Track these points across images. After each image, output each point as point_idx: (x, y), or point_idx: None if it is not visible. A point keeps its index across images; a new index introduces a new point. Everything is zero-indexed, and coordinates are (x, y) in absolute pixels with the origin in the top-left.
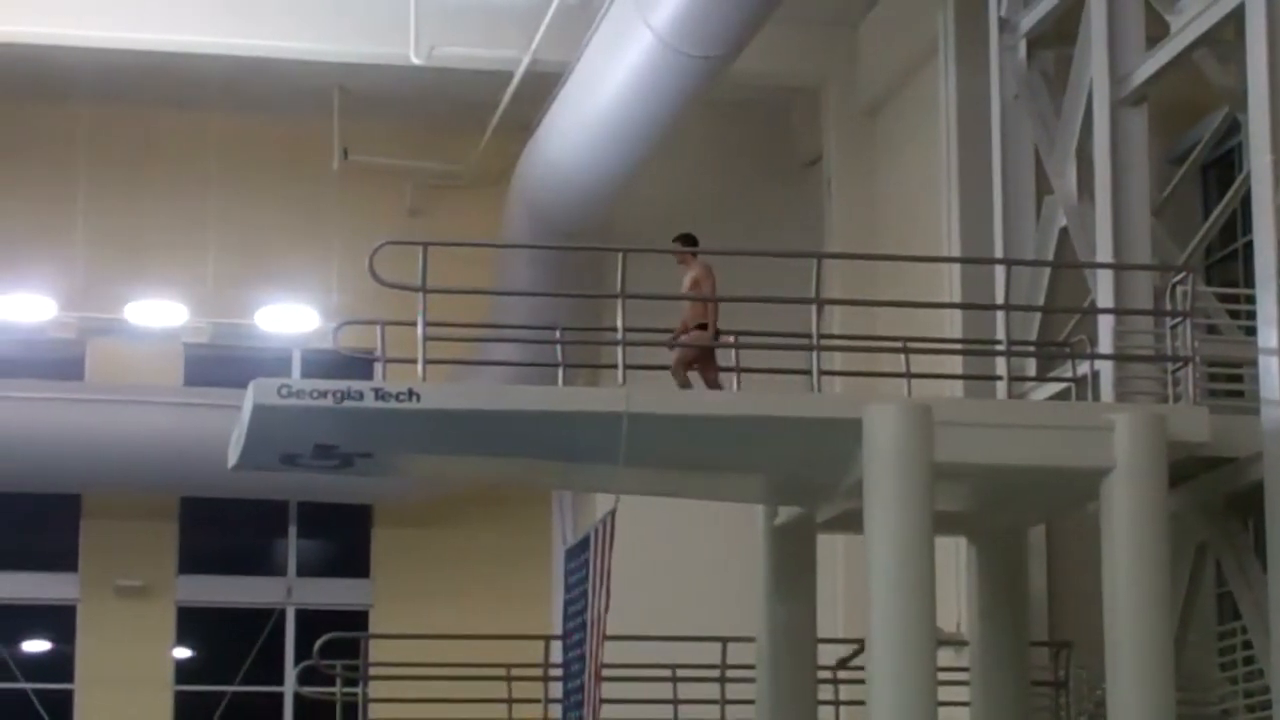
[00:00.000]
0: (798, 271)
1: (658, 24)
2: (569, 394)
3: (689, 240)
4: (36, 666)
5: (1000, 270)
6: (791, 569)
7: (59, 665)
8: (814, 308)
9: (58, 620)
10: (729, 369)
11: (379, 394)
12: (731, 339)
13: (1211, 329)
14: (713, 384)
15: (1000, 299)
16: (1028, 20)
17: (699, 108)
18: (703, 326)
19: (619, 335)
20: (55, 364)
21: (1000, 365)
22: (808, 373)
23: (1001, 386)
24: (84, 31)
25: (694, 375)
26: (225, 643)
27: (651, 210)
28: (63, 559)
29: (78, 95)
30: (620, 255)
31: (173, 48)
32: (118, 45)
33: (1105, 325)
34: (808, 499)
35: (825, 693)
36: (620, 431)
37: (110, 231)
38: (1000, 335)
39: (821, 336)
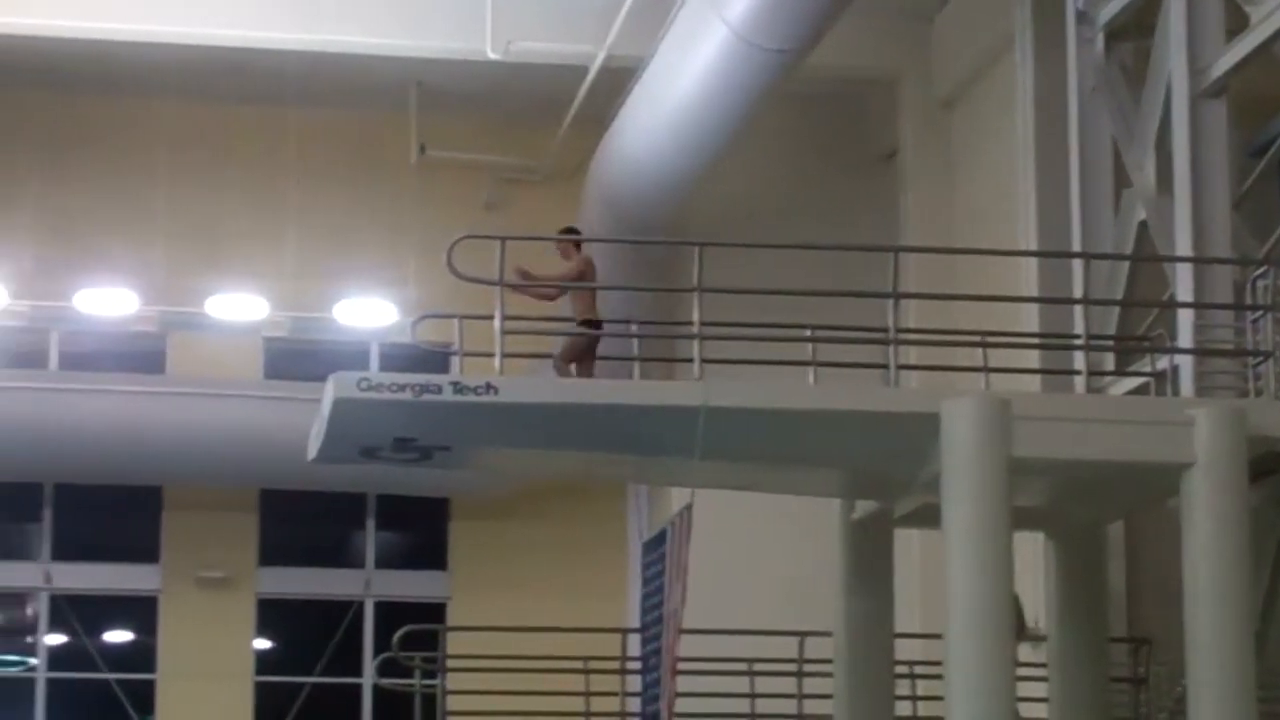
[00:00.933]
0: (873, 265)
1: (732, 18)
2: (646, 388)
3: (572, 233)
4: (119, 657)
5: (1079, 264)
6: (869, 563)
7: (141, 656)
8: (891, 301)
9: (140, 611)
10: (806, 363)
11: (457, 388)
12: (807, 331)
13: None
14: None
15: (1079, 293)
16: (1106, 12)
17: (774, 101)
18: (589, 322)
19: (695, 329)
20: (137, 357)
21: (1079, 360)
22: (885, 367)
23: (1080, 381)
24: (164, 28)
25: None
26: (305, 634)
27: (727, 204)
28: (145, 551)
29: (159, 91)
30: (697, 249)
31: (252, 43)
32: (198, 41)
33: (1185, 320)
34: (885, 494)
35: (903, 688)
36: (697, 425)
37: (191, 226)
38: (1079, 330)
39: (899, 331)
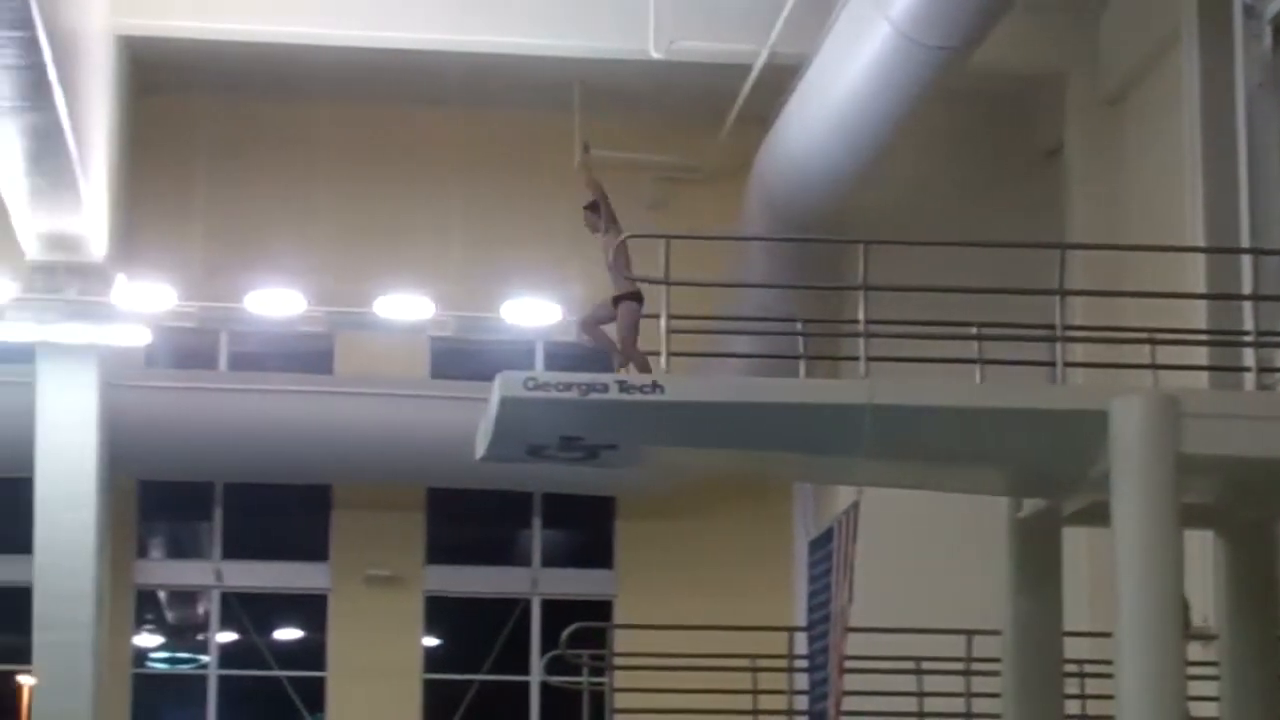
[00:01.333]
0: (1038, 263)
1: (896, 16)
2: (811, 386)
3: (594, 208)
4: (289, 655)
5: (1248, 259)
6: (1036, 561)
7: (311, 653)
8: (1057, 298)
9: (310, 609)
10: (972, 360)
11: (623, 386)
12: (973, 329)
13: None
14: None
15: (1247, 289)
16: (1273, 7)
17: (936, 98)
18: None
19: (861, 327)
20: (305, 357)
21: (1248, 356)
22: (1051, 364)
23: (1250, 378)
24: (325, 30)
25: None
26: (472, 632)
27: (890, 201)
28: (314, 549)
29: (325, 94)
30: (862, 247)
31: (415, 45)
32: (359, 44)
33: None
34: (1052, 491)
35: (1072, 686)
36: (863, 423)
37: (358, 227)
38: (1248, 326)
39: (1066, 328)
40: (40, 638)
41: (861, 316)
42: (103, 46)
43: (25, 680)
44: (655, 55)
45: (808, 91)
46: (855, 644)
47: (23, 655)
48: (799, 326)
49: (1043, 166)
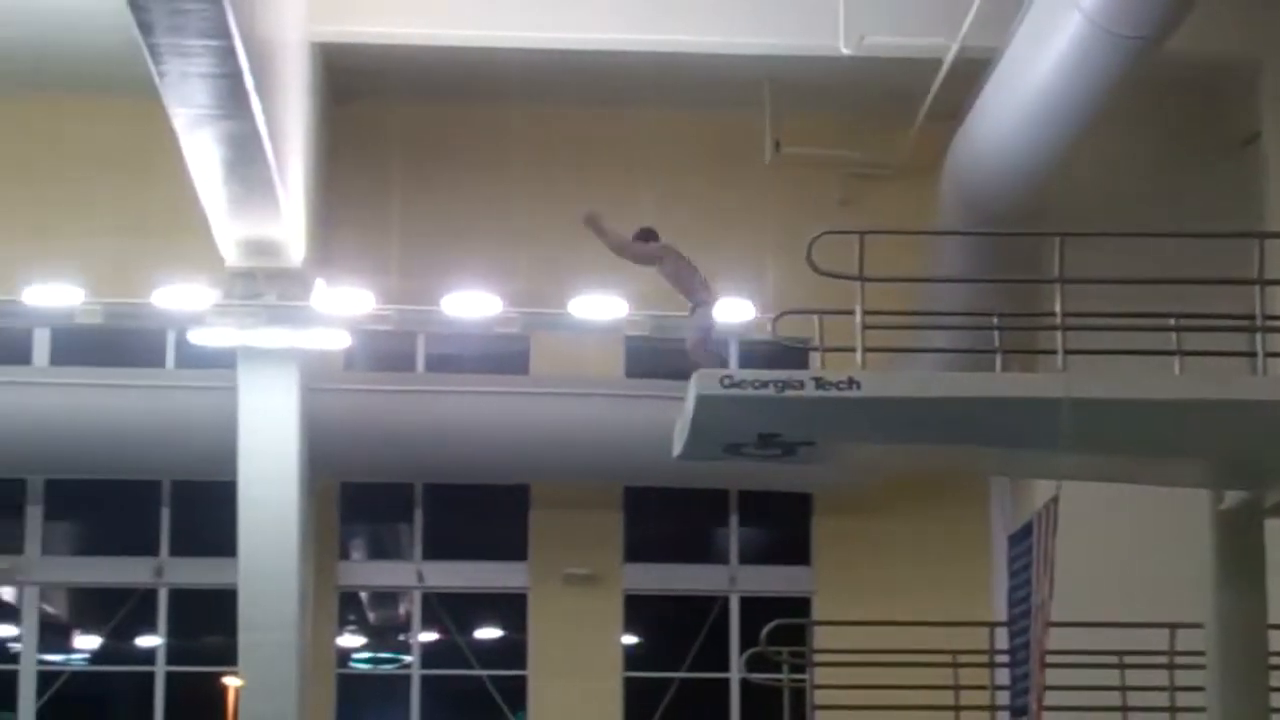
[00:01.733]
0: (1235, 252)
1: (1088, 6)
2: (1008, 380)
3: (649, 233)
4: (490, 654)
5: None
6: (1239, 554)
7: (512, 652)
8: (1257, 288)
9: (510, 609)
10: (1170, 352)
11: (819, 383)
12: (1171, 320)
13: None
14: None
15: None
16: None
17: (1130, 87)
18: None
19: (1058, 320)
20: (501, 358)
21: None
22: (1252, 355)
23: None
24: (516, 33)
25: None
26: (671, 630)
27: (1084, 193)
28: (513, 548)
29: (513, 95)
30: (1057, 240)
31: (605, 46)
32: (550, 45)
33: None
34: (1254, 483)
35: (1278, 680)
36: (1061, 417)
37: (550, 228)
38: None
39: (1266, 318)
40: (245, 639)
41: (1058, 309)
42: (298, 54)
43: (231, 682)
44: (845, 52)
45: (999, 84)
46: (1057, 638)
47: (228, 657)
48: (994, 321)
49: (1239, 155)
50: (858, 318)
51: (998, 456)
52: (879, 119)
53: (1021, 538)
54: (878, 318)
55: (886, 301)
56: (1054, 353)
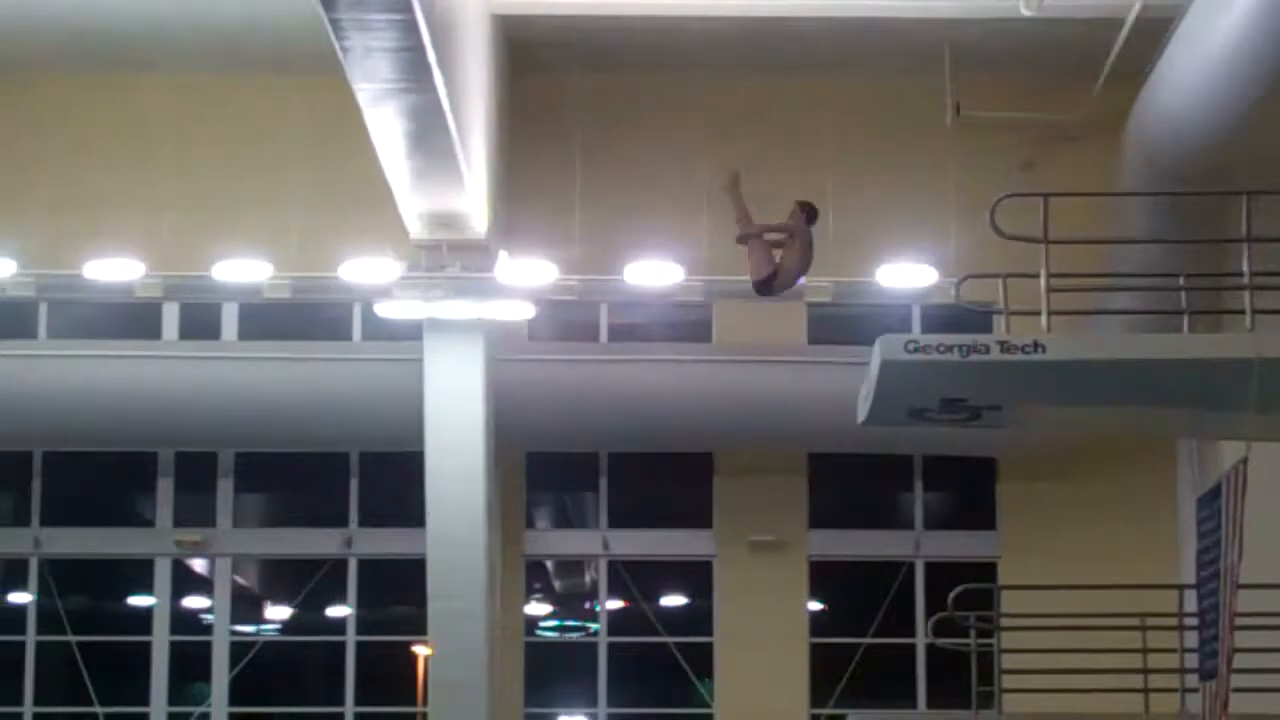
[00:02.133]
0: None
1: None
2: (1196, 341)
3: (807, 208)
4: (676, 621)
5: None
6: None
7: (698, 619)
8: None
9: (695, 576)
10: None
11: (1004, 347)
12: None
13: None
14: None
15: None
16: None
17: None
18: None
19: (1246, 279)
20: (683, 327)
21: None
22: None
23: None
24: (694, 0)
25: None
26: (856, 596)
27: (1271, 150)
28: (698, 516)
29: (693, 64)
30: (1244, 198)
31: (784, 12)
32: (729, 13)
33: None
34: None
35: None
36: (1250, 378)
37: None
38: None
39: None
40: (435, 608)
41: (1246, 269)
42: (478, 26)
43: (421, 651)
44: (1026, 13)
45: (1183, 42)
46: (1246, 601)
47: (418, 627)
48: (1181, 281)
49: None
50: (1042, 281)
51: (1185, 418)
52: (1061, 80)
53: (1210, 499)
54: (1062, 280)
55: (1070, 264)
56: (1242, 313)
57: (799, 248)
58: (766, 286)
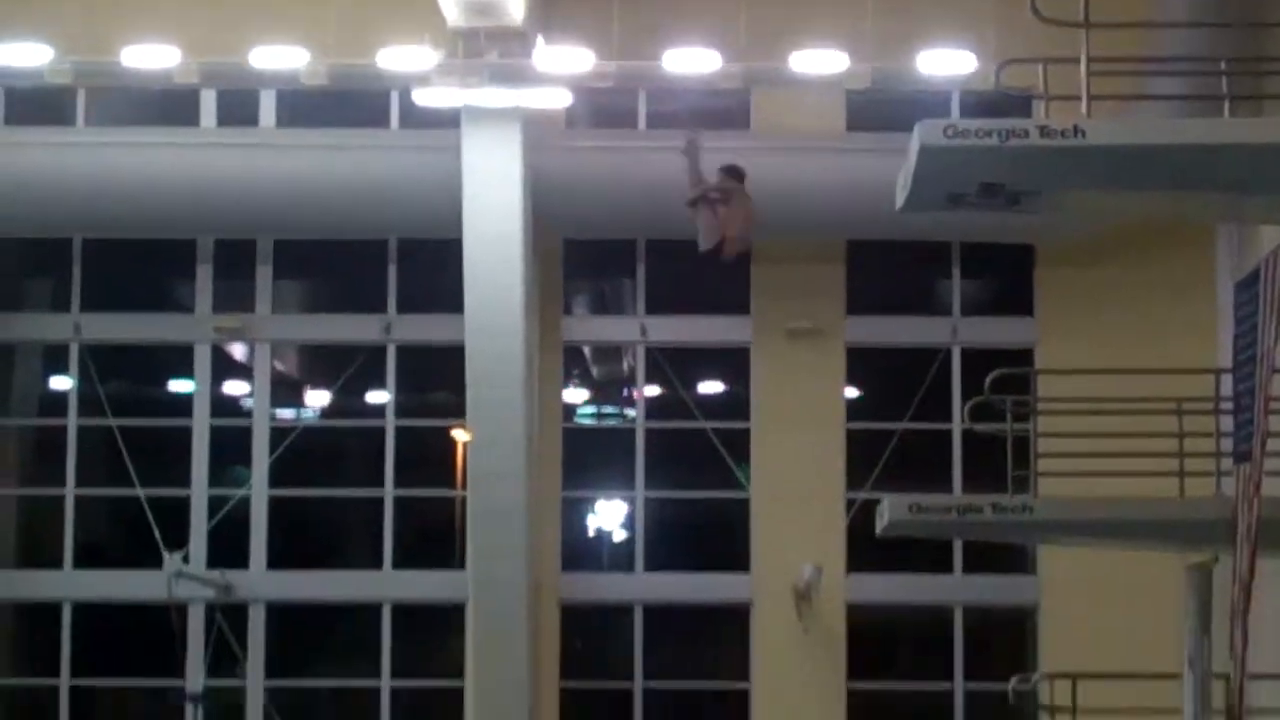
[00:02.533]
0: None
1: None
2: (1237, 125)
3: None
4: (713, 407)
5: None
6: None
7: (735, 405)
8: None
9: (733, 362)
10: None
11: (1044, 131)
12: None
13: None
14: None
15: None
16: None
17: None
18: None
19: None
20: (721, 114)
21: None
22: None
23: None
24: None
25: None
26: (893, 381)
27: None
28: (736, 303)
29: None
30: None
31: None
32: None
33: None
34: None
35: None
36: None
37: None
38: None
39: None
40: (473, 394)
41: None
42: None
43: (460, 435)
44: None
45: None
46: None
47: (457, 411)
48: (1222, 65)
49: None
50: (1082, 65)
51: (1225, 203)
52: None
53: (1249, 284)
54: (1103, 65)
55: (1112, 48)
56: None
57: (741, 213)
58: (716, 254)
